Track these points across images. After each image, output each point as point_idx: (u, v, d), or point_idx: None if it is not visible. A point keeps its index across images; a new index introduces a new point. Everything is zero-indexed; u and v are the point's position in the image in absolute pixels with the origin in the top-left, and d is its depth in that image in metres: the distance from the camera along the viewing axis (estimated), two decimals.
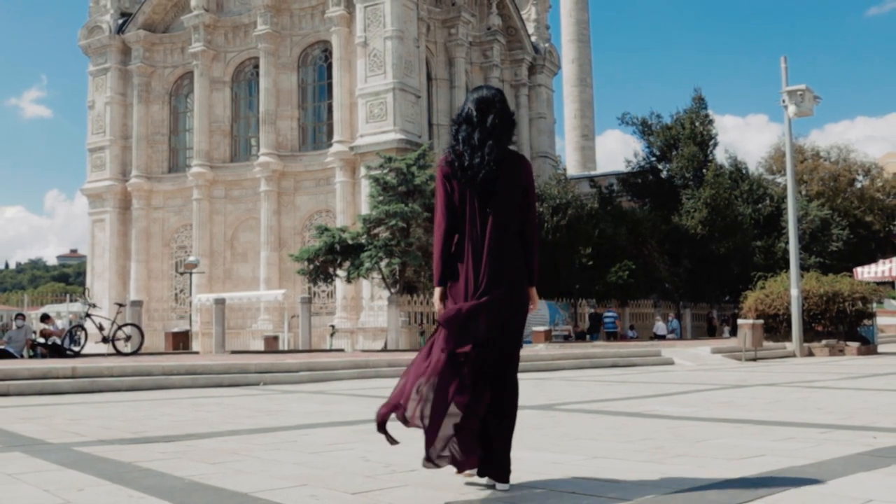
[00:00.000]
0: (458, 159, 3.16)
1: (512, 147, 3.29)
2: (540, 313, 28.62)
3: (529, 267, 3.23)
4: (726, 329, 34.05)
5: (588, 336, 29.77)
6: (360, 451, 4.19)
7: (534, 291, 3.29)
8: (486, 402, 3.17)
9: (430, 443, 3.11)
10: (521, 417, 6.05)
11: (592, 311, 31.00)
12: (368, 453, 4.11)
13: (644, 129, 38.69)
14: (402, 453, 3.80)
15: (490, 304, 3.09)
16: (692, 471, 3.56)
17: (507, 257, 3.14)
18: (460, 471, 3.27)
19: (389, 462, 3.85)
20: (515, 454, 4.15)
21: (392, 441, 3.18)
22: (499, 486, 3.17)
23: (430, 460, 3.13)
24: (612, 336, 30.02)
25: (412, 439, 3.36)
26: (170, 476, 3.56)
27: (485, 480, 3.26)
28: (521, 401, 7.75)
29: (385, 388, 8.15)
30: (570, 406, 7.18)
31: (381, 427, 3.11)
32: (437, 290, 3.23)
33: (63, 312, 33.87)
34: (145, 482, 3.41)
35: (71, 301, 38.26)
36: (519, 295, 3.17)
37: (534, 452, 4.16)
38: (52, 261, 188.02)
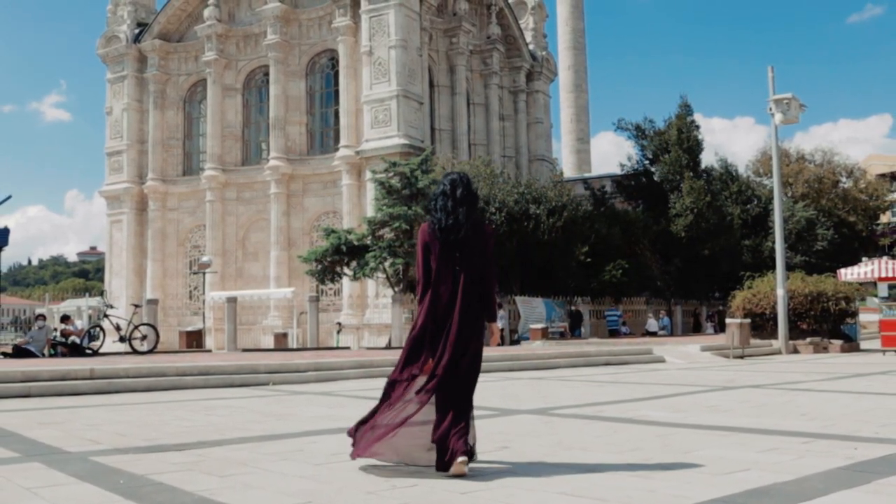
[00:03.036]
0: (437, 224, 4.20)
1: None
2: (537, 311, 29.05)
3: (487, 307, 4.18)
4: (710, 325, 34.65)
5: (571, 333, 30.21)
6: (363, 462, 4.29)
7: (495, 326, 4.32)
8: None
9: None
10: (519, 422, 6.32)
11: (573, 308, 31.65)
12: (370, 464, 4.22)
13: (638, 134, 38.89)
14: (402, 465, 3.97)
15: (457, 332, 4.03)
16: (677, 488, 3.61)
17: (470, 296, 4.09)
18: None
19: (390, 475, 3.98)
20: (512, 462, 4.34)
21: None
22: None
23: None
24: (614, 333, 30.48)
25: None
26: (181, 491, 3.65)
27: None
28: (520, 404, 8.01)
29: None
30: (565, 411, 7.34)
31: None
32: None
33: (83, 307, 34.45)
34: (157, 498, 3.51)
35: (90, 297, 38.96)
36: (478, 326, 4.13)
37: (528, 464, 4.32)
38: (72, 257, 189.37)
